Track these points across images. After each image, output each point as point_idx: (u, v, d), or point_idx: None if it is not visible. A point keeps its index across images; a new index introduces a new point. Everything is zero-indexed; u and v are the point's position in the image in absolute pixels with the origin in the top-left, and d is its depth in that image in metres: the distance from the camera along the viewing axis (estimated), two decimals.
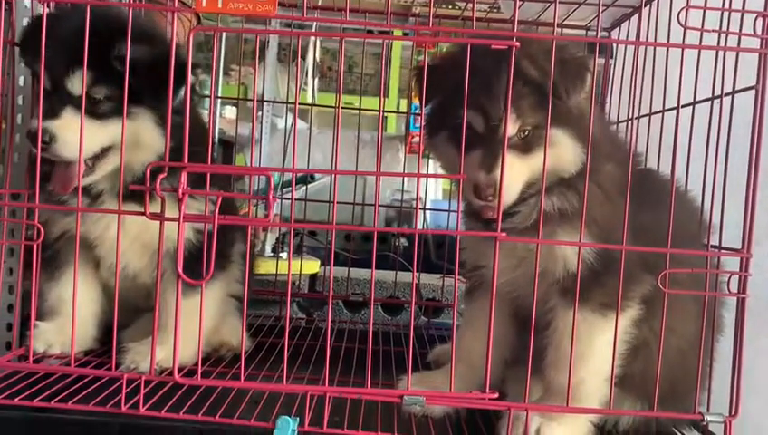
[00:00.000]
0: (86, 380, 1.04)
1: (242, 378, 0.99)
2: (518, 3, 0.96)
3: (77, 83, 1.04)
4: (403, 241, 2.32)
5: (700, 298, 1.01)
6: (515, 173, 0.96)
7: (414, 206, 2.58)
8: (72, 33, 1.01)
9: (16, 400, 0.97)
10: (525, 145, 0.98)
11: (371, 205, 1.64)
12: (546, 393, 1.04)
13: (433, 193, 3.45)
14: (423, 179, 3.44)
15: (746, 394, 0.99)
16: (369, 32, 1.84)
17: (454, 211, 1.76)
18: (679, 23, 0.96)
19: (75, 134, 1.00)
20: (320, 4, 1.57)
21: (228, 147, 2.67)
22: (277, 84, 3.97)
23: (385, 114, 4.49)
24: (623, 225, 0.96)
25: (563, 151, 0.99)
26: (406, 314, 1.88)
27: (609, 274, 0.97)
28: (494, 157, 0.94)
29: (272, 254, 1.91)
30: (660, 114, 1.22)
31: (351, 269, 1.83)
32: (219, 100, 2.84)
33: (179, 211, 0.93)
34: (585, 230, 0.97)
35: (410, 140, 3.32)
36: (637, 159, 1.12)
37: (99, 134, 1.06)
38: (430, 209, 1.89)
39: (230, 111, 3.52)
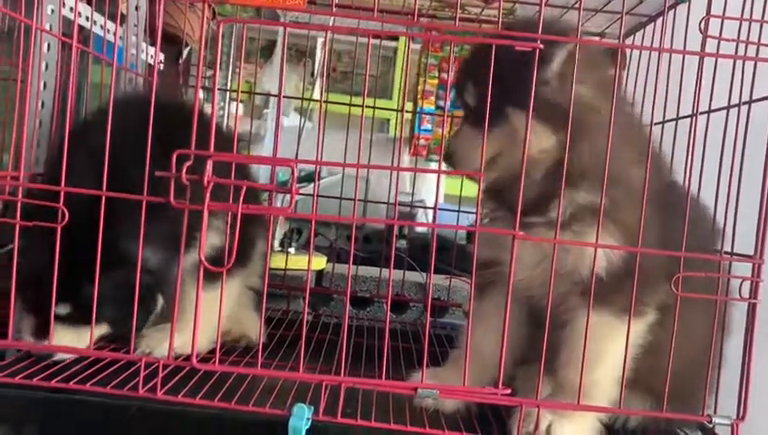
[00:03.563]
0: (103, 363, 1.05)
1: (258, 365, 1.00)
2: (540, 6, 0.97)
3: None
4: (404, 243, 2.35)
5: (712, 303, 1.02)
6: None
7: (418, 207, 2.61)
8: None
9: (34, 380, 0.98)
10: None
11: (391, 203, 1.66)
12: (558, 392, 1.05)
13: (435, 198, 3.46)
14: (429, 182, 3.45)
15: (756, 398, 1.01)
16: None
17: (463, 212, 1.79)
18: (700, 31, 0.98)
19: None
20: (337, 2, 1.59)
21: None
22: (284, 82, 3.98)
23: (387, 117, 4.51)
24: (650, 232, 0.97)
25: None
26: (411, 312, 1.90)
27: (632, 279, 0.98)
28: None
29: (279, 249, 1.93)
30: (674, 122, 1.25)
31: (358, 267, 1.85)
32: (228, 96, 2.84)
33: (204, 200, 0.94)
34: (617, 234, 0.99)
35: (415, 142, 3.35)
36: (667, 169, 1.13)
37: None
38: (444, 209, 1.91)
39: (234, 107, 3.53)
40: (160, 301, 1.08)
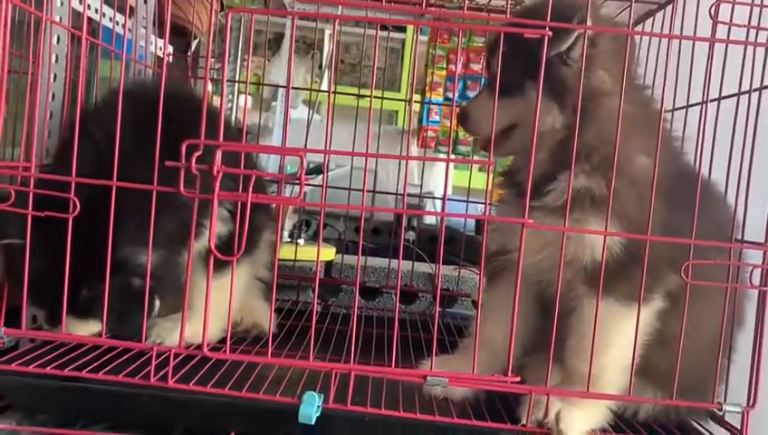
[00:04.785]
0: (116, 352, 1.06)
1: (269, 353, 1.00)
2: None
3: None
4: (411, 235, 2.36)
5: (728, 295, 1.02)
6: None
7: (426, 198, 2.61)
8: None
9: (48, 368, 0.99)
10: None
11: (399, 194, 1.66)
12: (566, 380, 1.05)
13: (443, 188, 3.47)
14: (436, 174, 3.43)
15: (766, 386, 1.01)
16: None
17: (472, 202, 1.79)
18: (711, 17, 0.98)
19: None
20: None
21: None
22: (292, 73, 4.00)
23: (396, 108, 4.48)
24: (656, 223, 0.96)
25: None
26: (419, 303, 1.91)
27: (636, 266, 0.98)
28: None
29: (288, 240, 1.94)
30: (684, 110, 1.24)
31: (367, 258, 1.86)
32: (237, 88, 2.85)
33: (214, 189, 0.95)
34: (616, 223, 0.99)
35: (423, 134, 3.33)
36: (680, 157, 1.12)
37: None
38: (453, 199, 1.91)
39: (242, 100, 3.54)
40: (157, 303, 1.09)
